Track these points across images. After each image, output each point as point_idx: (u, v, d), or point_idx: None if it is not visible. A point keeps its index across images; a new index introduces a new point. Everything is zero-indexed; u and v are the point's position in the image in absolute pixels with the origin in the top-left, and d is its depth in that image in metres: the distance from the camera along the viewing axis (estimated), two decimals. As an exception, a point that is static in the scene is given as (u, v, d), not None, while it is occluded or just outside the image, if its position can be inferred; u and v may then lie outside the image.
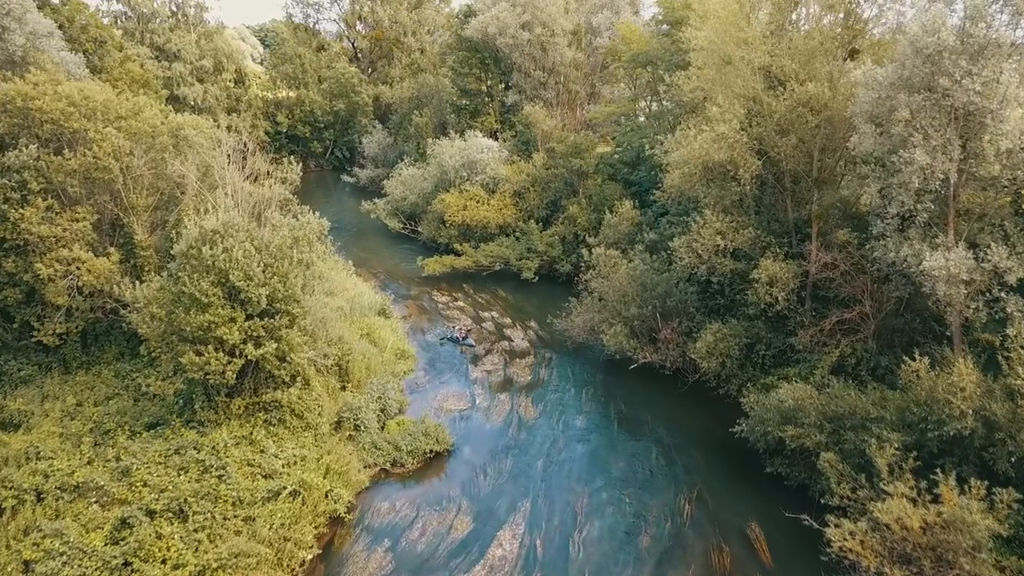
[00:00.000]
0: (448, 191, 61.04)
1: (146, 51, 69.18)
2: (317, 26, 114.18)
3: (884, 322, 30.60)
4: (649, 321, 37.52)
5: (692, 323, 36.88)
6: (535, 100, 70.33)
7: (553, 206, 58.69)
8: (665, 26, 58.20)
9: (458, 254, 55.44)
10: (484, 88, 77.37)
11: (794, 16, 33.66)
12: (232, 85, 79.82)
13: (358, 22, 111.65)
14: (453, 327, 43.02)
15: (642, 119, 62.91)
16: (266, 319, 25.98)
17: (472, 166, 61.58)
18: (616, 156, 57.42)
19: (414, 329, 44.43)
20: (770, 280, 30.94)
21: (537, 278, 52.16)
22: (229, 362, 25.12)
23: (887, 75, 24.41)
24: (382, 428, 31.40)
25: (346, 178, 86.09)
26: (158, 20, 71.30)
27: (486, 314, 46.82)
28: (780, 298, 30.56)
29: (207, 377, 24.95)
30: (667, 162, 35.18)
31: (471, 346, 41.42)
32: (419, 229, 63.34)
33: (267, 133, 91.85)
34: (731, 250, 32.97)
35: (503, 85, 76.99)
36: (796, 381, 31.08)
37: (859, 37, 30.18)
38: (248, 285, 24.96)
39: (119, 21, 71.08)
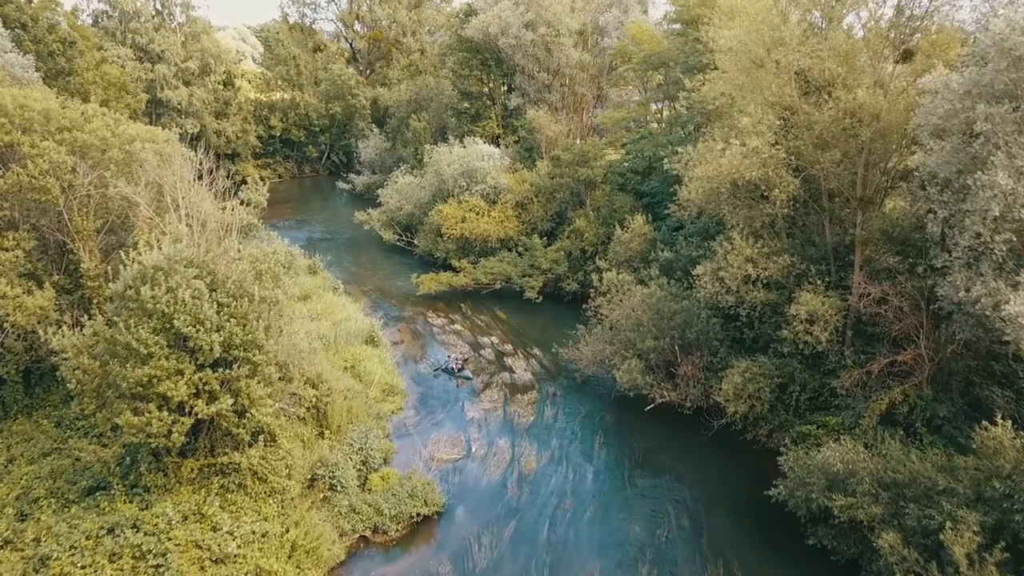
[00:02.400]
0: (446, 201, 57.07)
1: (127, 52, 65.33)
2: (314, 26, 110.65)
3: (940, 364, 26.57)
4: (666, 354, 33.52)
5: (715, 358, 32.87)
6: (539, 103, 66.39)
7: (558, 218, 54.66)
8: (678, 25, 54.27)
9: (456, 270, 51.46)
10: (486, 91, 73.42)
11: (816, 14, 29.67)
12: (221, 87, 75.90)
13: (356, 22, 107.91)
14: (448, 356, 39.02)
15: (654, 125, 58.88)
16: (221, 370, 22.01)
17: (472, 174, 57.60)
18: (626, 164, 53.35)
19: (406, 357, 40.42)
20: (809, 317, 26.88)
21: (541, 298, 48.10)
22: (176, 421, 21.16)
23: (962, 82, 20.33)
24: (364, 483, 27.44)
25: (341, 185, 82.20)
26: (142, 19, 67.43)
27: (485, 339, 42.81)
28: (823, 338, 26.47)
29: (149, 440, 20.98)
30: (688, 176, 31.10)
31: (468, 378, 37.43)
32: (415, 242, 59.37)
33: (259, 137, 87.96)
34: (763, 280, 28.85)
35: (505, 88, 73.09)
36: (840, 433, 27.14)
37: (914, 35, 26.04)
38: (198, 331, 20.99)
39: (99, 20, 67.27)
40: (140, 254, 21.03)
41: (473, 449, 31.00)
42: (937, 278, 23.81)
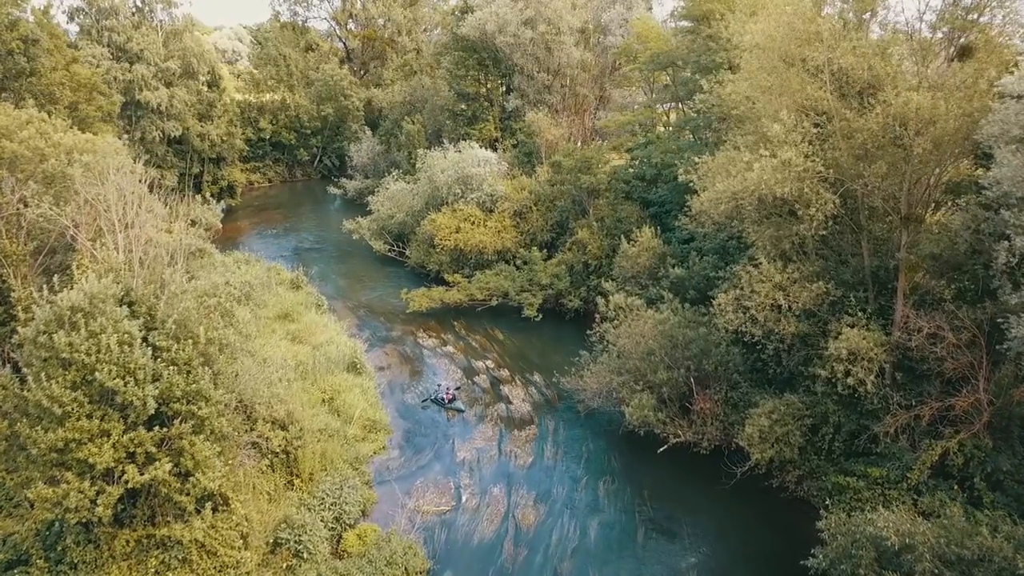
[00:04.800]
0: (439, 209, 53.46)
1: (103, 51, 61.75)
2: (306, 24, 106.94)
3: (1001, 409, 23.03)
4: (681, 387, 30.01)
5: (736, 393, 29.34)
6: (539, 105, 62.79)
7: (559, 228, 51.08)
8: (685, 22, 50.73)
9: (449, 285, 47.87)
10: (483, 92, 69.85)
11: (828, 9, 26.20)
12: (206, 89, 72.24)
13: (349, 20, 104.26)
14: (439, 386, 35.40)
15: (661, 128, 55.35)
16: (158, 427, 18.47)
17: (467, 181, 53.97)
18: (631, 171, 49.78)
19: (392, 386, 36.80)
20: (850, 354, 23.29)
21: (541, 315, 44.45)
22: (101, 492, 17.62)
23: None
24: (337, 544, 23.93)
25: (332, 190, 78.58)
26: (119, 17, 63.86)
27: (479, 363, 39.20)
28: (868, 382, 22.90)
29: (67, 515, 17.44)
30: (703, 188, 27.52)
31: (459, 411, 33.86)
32: (407, 252, 55.75)
33: (248, 140, 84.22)
34: (795, 311, 25.25)
35: (504, 88, 69.54)
36: (885, 488, 23.64)
37: (971, 29, 22.49)
38: (126, 384, 17.44)
39: (75, 18, 63.77)
40: (56, 293, 17.48)
41: (463, 498, 27.42)
42: (1008, 315, 20.23)
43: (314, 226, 72.15)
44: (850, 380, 23.20)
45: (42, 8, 54.27)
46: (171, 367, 18.52)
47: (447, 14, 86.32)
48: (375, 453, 30.09)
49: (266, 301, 43.24)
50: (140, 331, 18.46)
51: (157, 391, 18.02)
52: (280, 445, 25.46)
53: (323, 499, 24.71)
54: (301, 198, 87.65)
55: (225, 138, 73.12)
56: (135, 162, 59.19)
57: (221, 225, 24.34)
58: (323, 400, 32.20)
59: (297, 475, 26.03)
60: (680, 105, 52.65)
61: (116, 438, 17.66)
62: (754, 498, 27.02)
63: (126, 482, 17.84)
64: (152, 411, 18.12)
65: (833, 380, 24.12)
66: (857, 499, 24.06)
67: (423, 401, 34.79)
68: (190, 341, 18.94)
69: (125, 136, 63.50)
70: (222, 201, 77.15)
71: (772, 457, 26.62)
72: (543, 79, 63.96)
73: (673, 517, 26.50)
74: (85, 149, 23.78)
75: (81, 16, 64.17)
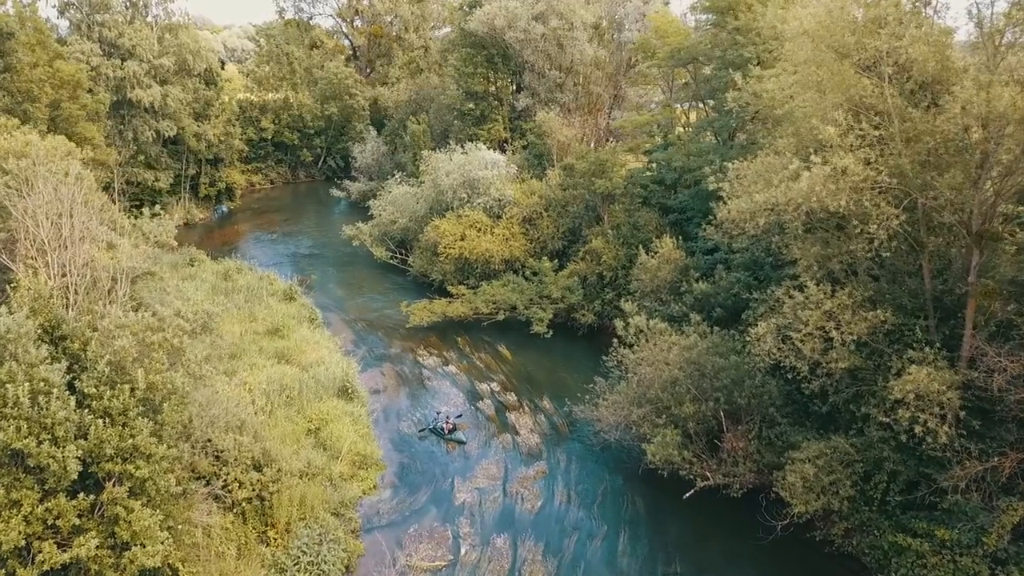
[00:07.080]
0: (444, 215, 50.15)
1: (94, 47, 58.86)
2: (311, 21, 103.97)
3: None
4: (709, 421, 26.62)
5: (773, 430, 25.88)
6: (550, 104, 59.39)
7: (572, 235, 47.67)
8: (707, 15, 47.21)
9: (453, 296, 44.53)
10: (492, 90, 66.52)
11: None
12: (204, 87, 69.30)
13: (356, 17, 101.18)
14: (438, 413, 32.05)
15: (680, 130, 51.82)
16: (84, 493, 15.22)
17: (473, 185, 50.60)
18: (649, 174, 46.36)
19: (387, 411, 33.46)
20: (917, 398, 19.74)
21: (551, 331, 41.00)
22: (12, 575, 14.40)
23: None
24: (314, 610, 20.68)
25: (336, 192, 75.55)
26: (113, 11, 60.93)
27: (484, 386, 35.84)
28: (942, 433, 19.34)
29: (-32, 605, 14.27)
30: (733, 196, 23.99)
31: (460, 442, 30.53)
32: (410, 260, 52.48)
33: (250, 141, 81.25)
34: (848, 343, 21.68)
35: (514, 87, 66.21)
36: (956, 554, 20.11)
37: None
38: (40, 444, 14.19)
39: (65, 12, 60.99)
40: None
41: (462, 551, 24.03)
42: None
43: (315, 230, 69.05)
44: (917, 429, 19.60)
45: (27, 2, 51.60)
46: (101, 419, 15.26)
47: (455, 10, 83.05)
48: (364, 494, 26.77)
49: (256, 314, 40.25)
50: (65, 376, 15.23)
51: (80, 451, 14.77)
52: (254, 490, 22.21)
53: (298, 558, 21.43)
54: (303, 200, 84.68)
55: (223, 138, 70.20)
56: (130, 163, 56.17)
57: (176, 243, 21.36)
58: (309, 431, 28.98)
59: (272, 525, 22.76)
60: (702, 104, 49.17)
61: (29, 509, 14.44)
62: (792, 552, 23.58)
63: (42, 563, 14.59)
64: (76, 474, 14.87)
65: (893, 426, 20.58)
66: (921, 564, 20.60)
67: (420, 431, 31.46)
68: (127, 386, 15.68)
69: (117, 136, 60.77)
70: (222, 204, 74.52)
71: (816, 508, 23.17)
72: (555, 77, 60.66)
73: (700, 573, 23.06)
74: (22, 153, 20.56)
75: (72, 10, 61.25)
